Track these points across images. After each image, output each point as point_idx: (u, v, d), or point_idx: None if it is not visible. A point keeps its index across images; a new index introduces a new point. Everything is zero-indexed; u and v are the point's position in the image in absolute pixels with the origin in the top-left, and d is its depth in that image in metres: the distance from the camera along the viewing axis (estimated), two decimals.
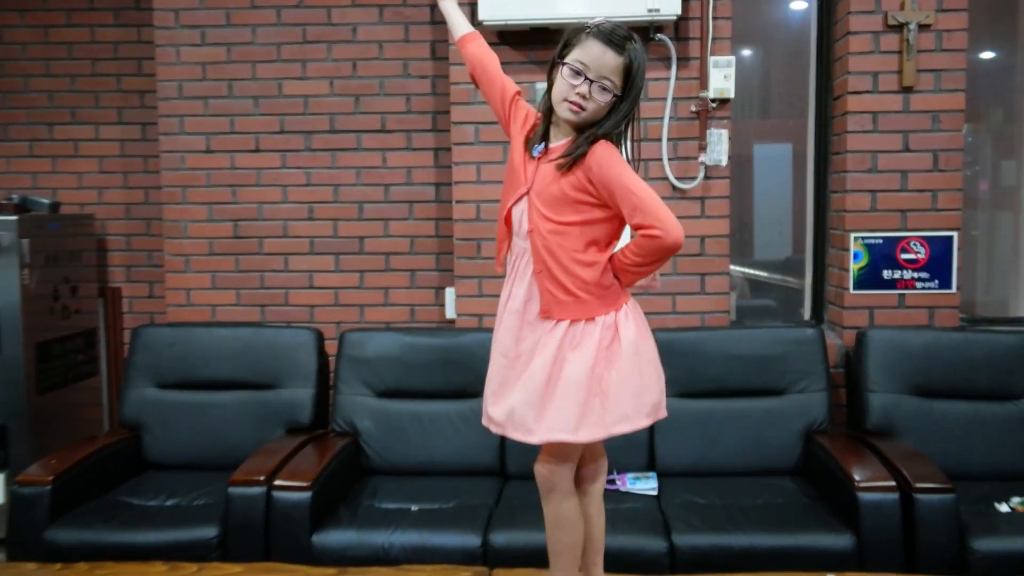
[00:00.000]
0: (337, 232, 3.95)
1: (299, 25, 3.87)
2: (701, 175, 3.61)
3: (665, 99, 3.58)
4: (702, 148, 3.58)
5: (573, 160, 2.04)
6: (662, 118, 3.59)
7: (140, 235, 4.37)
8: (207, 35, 3.86)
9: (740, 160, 4.19)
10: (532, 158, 2.13)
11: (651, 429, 3.30)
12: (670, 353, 3.13)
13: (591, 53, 2.03)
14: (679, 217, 2.02)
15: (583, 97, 2.04)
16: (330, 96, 3.88)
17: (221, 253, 3.95)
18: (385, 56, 3.87)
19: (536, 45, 3.58)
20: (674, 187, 3.62)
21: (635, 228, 2.07)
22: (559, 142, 2.11)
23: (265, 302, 3.94)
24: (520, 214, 2.14)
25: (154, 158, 4.21)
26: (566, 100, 2.06)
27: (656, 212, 2.00)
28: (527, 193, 2.12)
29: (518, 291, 2.13)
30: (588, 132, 2.06)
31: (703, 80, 3.57)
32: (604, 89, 2.04)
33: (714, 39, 3.55)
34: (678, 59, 3.58)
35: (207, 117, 3.89)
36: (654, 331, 2.22)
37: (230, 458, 3.25)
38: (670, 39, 3.56)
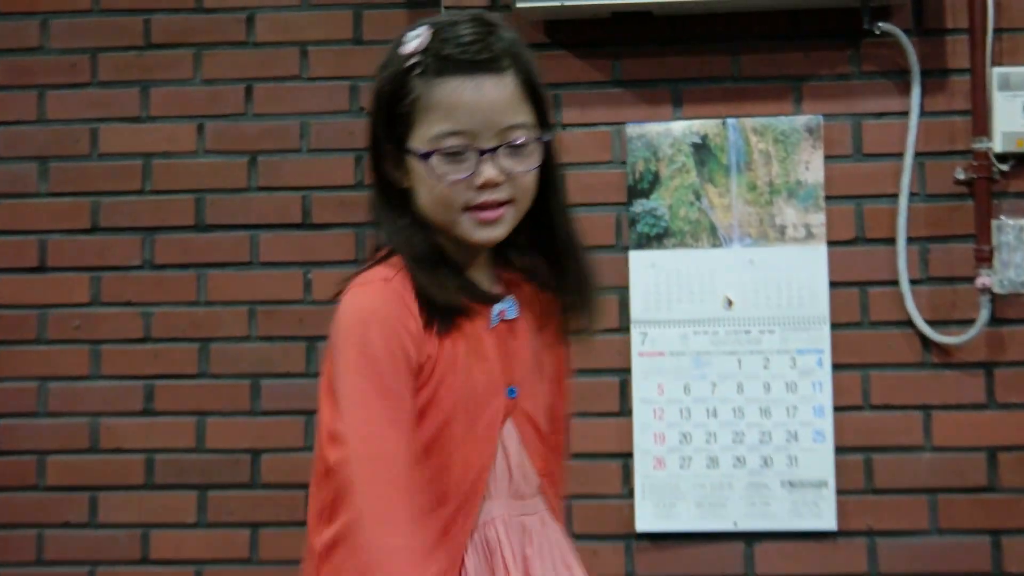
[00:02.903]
0: (204, 442, 3.11)
1: (139, 12, 3.08)
2: (984, 316, 2.67)
3: (901, 157, 2.69)
4: (983, 258, 2.67)
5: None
6: (895, 195, 2.71)
7: None
8: None
9: None
10: (490, 329, 1.57)
11: None
12: None
13: (459, 103, 1.45)
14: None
15: (494, 185, 1.46)
16: (198, 156, 3.13)
17: None
18: (313, 72, 3.09)
19: (624, 48, 2.94)
20: (926, 340, 2.72)
21: None
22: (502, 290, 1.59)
23: None
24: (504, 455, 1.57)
25: None
26: (469, 209, 1.48)
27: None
28: (513, 404, 1.52)
29: None
30: (561, 240, 1.56)
31: (980, 116, 2.70)
32: (519, 148, 1.47)
33: (999, 32, 2.67)
34: (923, 73, 2.74)
35: None
36: None
37: None
38: (904, 32, 2.68)
